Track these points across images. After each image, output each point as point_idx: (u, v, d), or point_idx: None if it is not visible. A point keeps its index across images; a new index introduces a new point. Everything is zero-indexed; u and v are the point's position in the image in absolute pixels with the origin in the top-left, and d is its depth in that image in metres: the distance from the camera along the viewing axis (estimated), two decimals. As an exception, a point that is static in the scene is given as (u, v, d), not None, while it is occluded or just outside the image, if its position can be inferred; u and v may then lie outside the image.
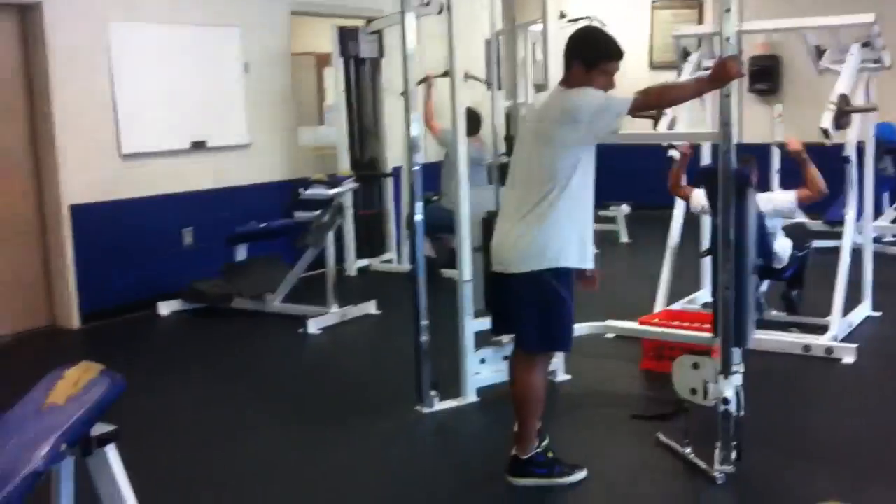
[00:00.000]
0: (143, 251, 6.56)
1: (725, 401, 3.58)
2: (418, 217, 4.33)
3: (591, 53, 3.46)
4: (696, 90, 3.73)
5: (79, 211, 6.17)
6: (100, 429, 2.35)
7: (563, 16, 6.20)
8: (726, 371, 3.61)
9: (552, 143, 3.40)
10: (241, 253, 6.70)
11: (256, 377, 5.20)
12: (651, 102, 3.61)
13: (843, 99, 5.12)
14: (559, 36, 4.63)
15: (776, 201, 5.23)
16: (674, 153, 5.54)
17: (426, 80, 6.76)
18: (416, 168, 4.32)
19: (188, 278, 6.57)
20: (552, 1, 5.87)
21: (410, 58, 4.18)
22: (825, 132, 5.02)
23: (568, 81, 3.49)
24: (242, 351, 5.74)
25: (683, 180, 5.56)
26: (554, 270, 3.42)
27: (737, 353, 3.64)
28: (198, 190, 6.89)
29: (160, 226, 6.66)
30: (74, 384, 2.36)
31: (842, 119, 5.09)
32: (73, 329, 6.22)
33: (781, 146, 4.89)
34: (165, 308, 6.52)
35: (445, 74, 4.22)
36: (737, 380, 3.62)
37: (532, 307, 3.46)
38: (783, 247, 5.44)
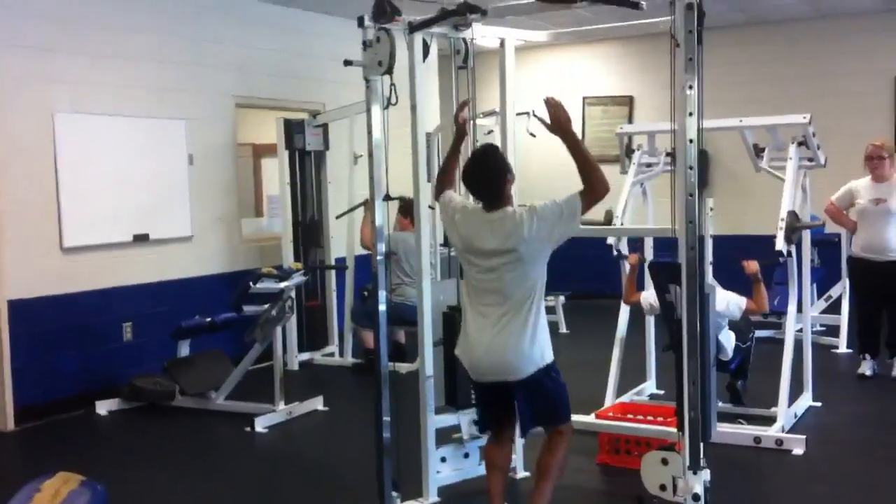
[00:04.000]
0: (83, 347, 6.38)
1: (696, 497, 3.59)
2: (382, 307, 4.26)
3: (508, 165, 3.91)
4: (584, 151, 3.72)
5: (17, 307, 5.98)
6: (82, 545, 2.23)
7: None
8: (695, 466, 3.63)
9: (534, 261, 3.70)
10: (184, 348, 6.55)
11: (206, 481, 5.02)
12: (598, 191, 3.68)
13: (792, 216, 5.36)
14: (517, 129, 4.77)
15: (730, 303, 5.37)
16: (625, 263, 5.78)
17: (365, 204, 6.80)
18: (380, 258, 4.29)
19: (129, 374, 6.39)
20: (484, 101, 6.03)
21: (378, 148, 4.20)
22: (780, 254, 5.27)
23: (502, 200, 3.79)
24: (189, 453, 5.54)
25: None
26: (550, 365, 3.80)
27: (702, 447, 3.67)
28: (139, 283, 6.76)
29: (100, 320, 6.49)
30: (54, 496, 2.25)
31: (792, 235, 5.33)
32: (6, 431, 5.94)
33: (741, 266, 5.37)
34: (104, 407, 6.29)
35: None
36: (705, 475, 3.65)
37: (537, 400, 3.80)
38: (727, 339, 5.56)
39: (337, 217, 7.77)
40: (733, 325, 5.64)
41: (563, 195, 3.71)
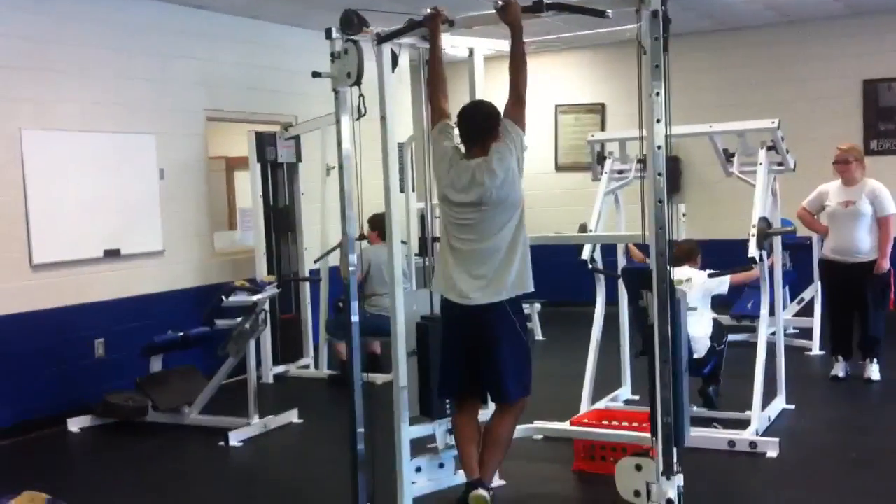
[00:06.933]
0: (54, 365, 6.31)
1: (669, 502, 3.60)
2: (354, 318, 4.24)
3: (500, 115, 4.10)
4: (522, 51, 4.09)
5: (-15, 325, 5.91)
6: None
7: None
8: (668, 472, 3.64)
9: (516, 201, 4.02)
10: (157, 364, 6.49)
11: (179, 497, 4.97)
12: (523, 93, 4.11)
13: (764, 222, 5.40)
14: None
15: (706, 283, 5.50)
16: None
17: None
18: (353, 269, 4.27)
19: (101, 391, 6.32)
20: (455, 110, 6.04)
21: (347, 160, 4.19)
22: (753, 260, 5.31)
23: (486, 147, 4.03)
24: (163, 469, 5.48)
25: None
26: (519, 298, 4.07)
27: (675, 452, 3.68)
28: (111, 299, 6.69)
29: (72, 337, 6.42)
30: (19, 517, 2.22)
31: (764, 241, 5.37)
32: (-24, 450, 5.87)
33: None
34: (76, 424, 6.22)
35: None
36: (679, 480, 3.66)
37: (507, 348, 4.01)
38: (699, 332, 5.54)
39: (315, 261, 7.69)
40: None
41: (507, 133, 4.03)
